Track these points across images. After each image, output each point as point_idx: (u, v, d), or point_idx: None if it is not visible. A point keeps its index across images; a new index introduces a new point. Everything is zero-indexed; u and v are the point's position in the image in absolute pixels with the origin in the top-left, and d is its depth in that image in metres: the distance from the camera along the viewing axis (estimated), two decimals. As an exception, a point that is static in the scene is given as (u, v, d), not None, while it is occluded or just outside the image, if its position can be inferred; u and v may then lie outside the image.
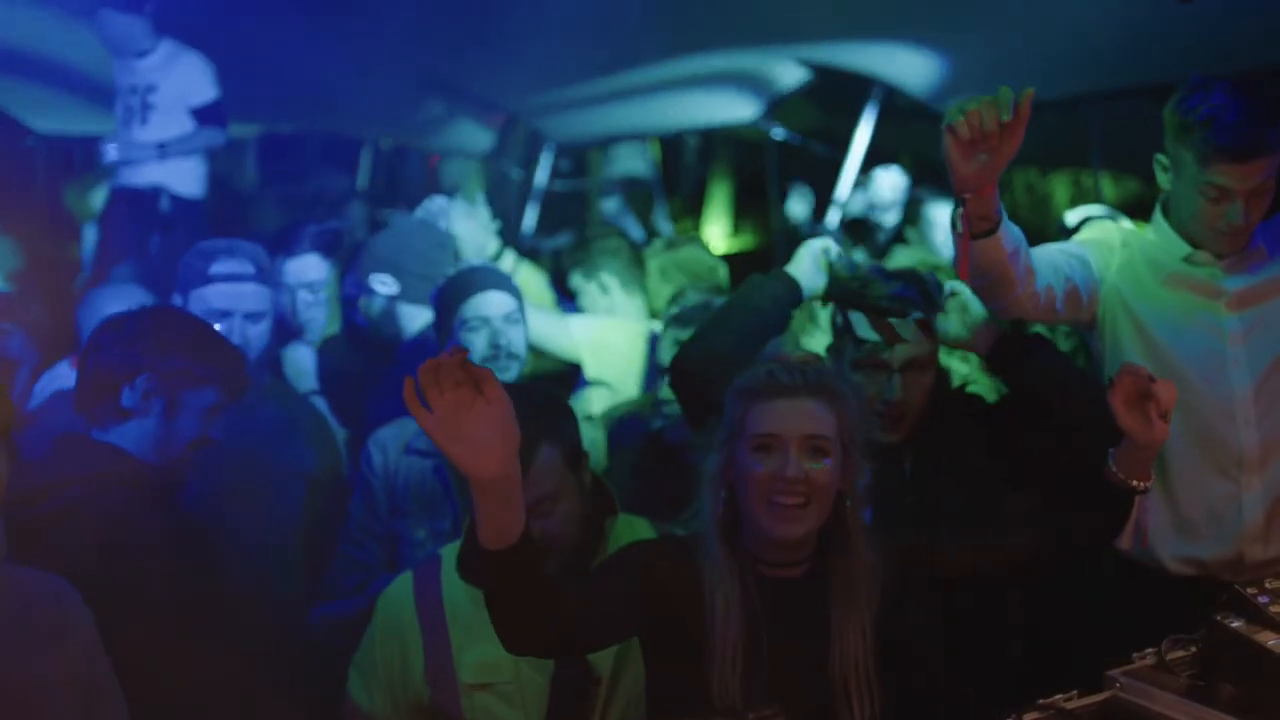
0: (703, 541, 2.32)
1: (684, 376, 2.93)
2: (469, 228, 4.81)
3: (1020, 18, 6.15)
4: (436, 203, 4.67)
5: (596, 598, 2.25)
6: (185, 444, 2.73)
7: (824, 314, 4.59)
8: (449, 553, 2.75)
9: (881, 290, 2.93)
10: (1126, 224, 3.09)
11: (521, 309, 3.48)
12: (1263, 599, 1.99)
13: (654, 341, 4.35)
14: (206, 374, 2.74)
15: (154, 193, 5.75)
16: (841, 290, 2.99)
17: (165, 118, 5.84)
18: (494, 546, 1.98)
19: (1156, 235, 3.05)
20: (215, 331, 2.93)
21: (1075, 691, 2.00)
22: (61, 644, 2.13)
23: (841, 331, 3.00)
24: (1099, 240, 3.13)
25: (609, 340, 4.55)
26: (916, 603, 2.38)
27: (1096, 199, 9.24)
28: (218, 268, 3.46)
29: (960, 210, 2.53)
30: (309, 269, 4.19)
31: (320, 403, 3.92)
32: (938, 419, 3.01)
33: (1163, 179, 3.00)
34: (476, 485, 1.95)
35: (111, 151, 5.73)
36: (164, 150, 5.69)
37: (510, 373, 3.36)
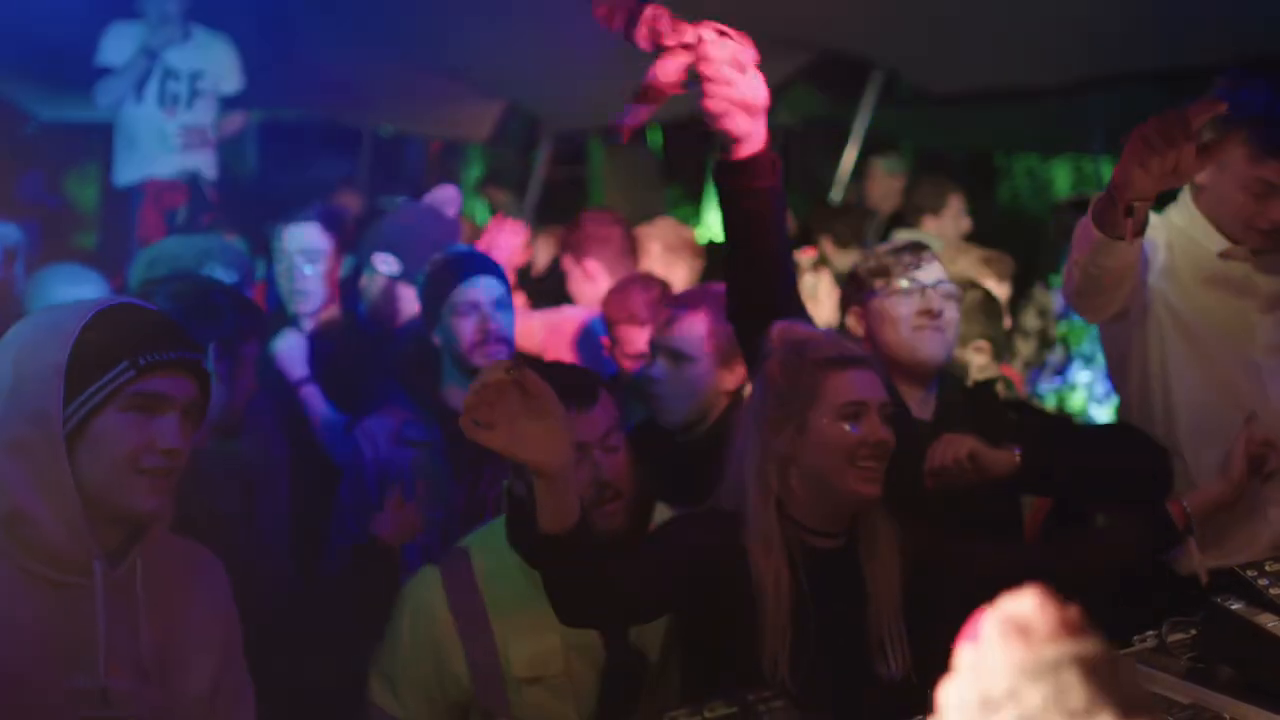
0: (748, 517, 2.41)
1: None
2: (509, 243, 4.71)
3: (1021, 3, 6.14)
4: (447, 191, 4.64)
5: (649, 572, 2.34)
6: (245, 395, 2.96)
7: (807, 283, 4.65)
8: (477, 544, 2.70)
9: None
10: (1171, 218, 3.02)
11: (509, 294, 3.46)
12: (1263, 581, 1.99)
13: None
14: (250, 327, 2.97)
15: (193, 178, 5.77)
16: None
17: (207, 103, 5.90)
18: (554, 530, 2.06)
19: (1190, 226, 3.01)
20: (233, 287, 3.11)
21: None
22: (214, 609, 2.20)
23: None
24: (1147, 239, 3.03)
25: (565, 330, 4.53)
26: (942, 567, 2.50)
27: (1098, 184, 9.26)
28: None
29: (1125, 213, 2.53)
30: (310, 236, 4.13)
31: (313, 391, 3.91)
32: (963, 407, 3.11)
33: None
34: (544, 479, 2.03)
35: (176, 136, 5.75)
36: (210, 137, 5.77)
37: (499, 356, 3.33)
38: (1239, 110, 2.72)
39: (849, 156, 7.93)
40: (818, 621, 2.38)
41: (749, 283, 2.58)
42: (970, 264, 4.82)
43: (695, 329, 3.25)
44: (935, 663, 2.41)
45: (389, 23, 7.12)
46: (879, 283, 3.12)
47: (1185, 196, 3.05)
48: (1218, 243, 2.97)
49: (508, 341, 3.36)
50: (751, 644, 2.33)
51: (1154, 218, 2.94)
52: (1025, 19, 6.18)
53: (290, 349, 3.95)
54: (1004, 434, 3.21)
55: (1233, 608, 1.96)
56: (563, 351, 4.37)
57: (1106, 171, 9.68)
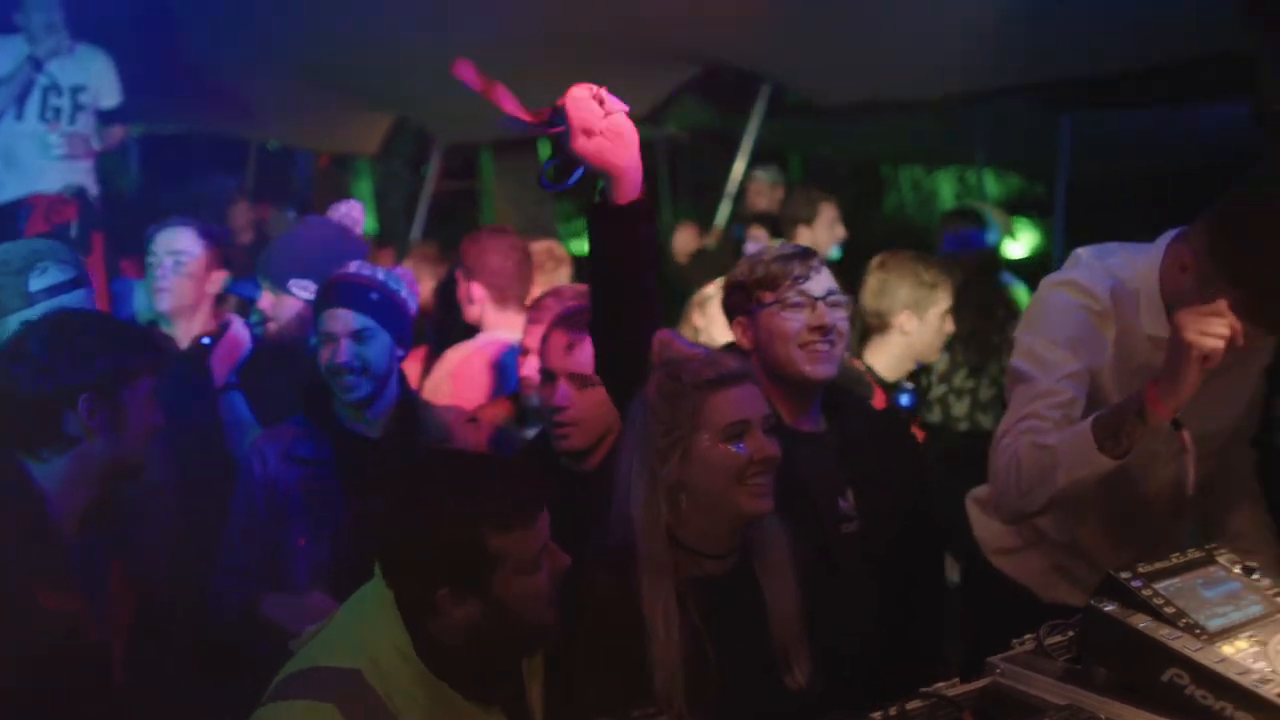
0: (637, 549, 2.39)
1: None
2: None
3: (903, 18, 6.25)
4: (352, 208, 4.55)
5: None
6: (140, 439, 2.67)
7: (704, 294, 4.67)
8: (366, 663, 2.18)
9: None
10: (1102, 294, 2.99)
11: (386, 324, 3.38)
12: (1135, 583, 2.04)
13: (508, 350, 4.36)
14: (133, 367, 2.66)
15: (80, 191, 5.66)
16: None
17: (88, 118, 5.80)
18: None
19: (1148, 306, 2.94)
20: (114, 318, 2.86)
21: (957, 679, 2.04)
22: None
23: None
24: (1087, 338, 2.97)
25: (473, 374, 4.48)
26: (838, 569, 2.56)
27: (980, 195, 9.46)
28: (36, 283, 3.20)
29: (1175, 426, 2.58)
30: (180, 239, 4.09)
31: (232, 398, 3.84)
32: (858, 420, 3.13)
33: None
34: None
35: (58, 148, 5.62)
36: (93, 151, 5.67)
37: (357, 391, 3.30)
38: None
39: (737, 168, 8.00)
40: (715, 649, 2.37)
41: (616, 327, 2.55)
42: None
43: None
44: (840, 664, 2.48)
45: (276, 36, 7.03)
46: (767, 295, 3.00)
47: (1153, 274, 2.95)
48: (1163, 327, 2.86)
49: (359, 372, 3.29)
50: (640, 683, 2.31)
51: (1092, 315, 2.94)
52: (909, 34, 6.30)
53: (227, 349, 3.90)
54: (905, 450, 3.27)
55: (1107, 610, 2.00)
56: (479, 393, 4.33)
57: (989, 183, 9.91)
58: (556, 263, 5.41)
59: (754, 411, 2.42)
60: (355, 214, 4.40)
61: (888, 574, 2.99)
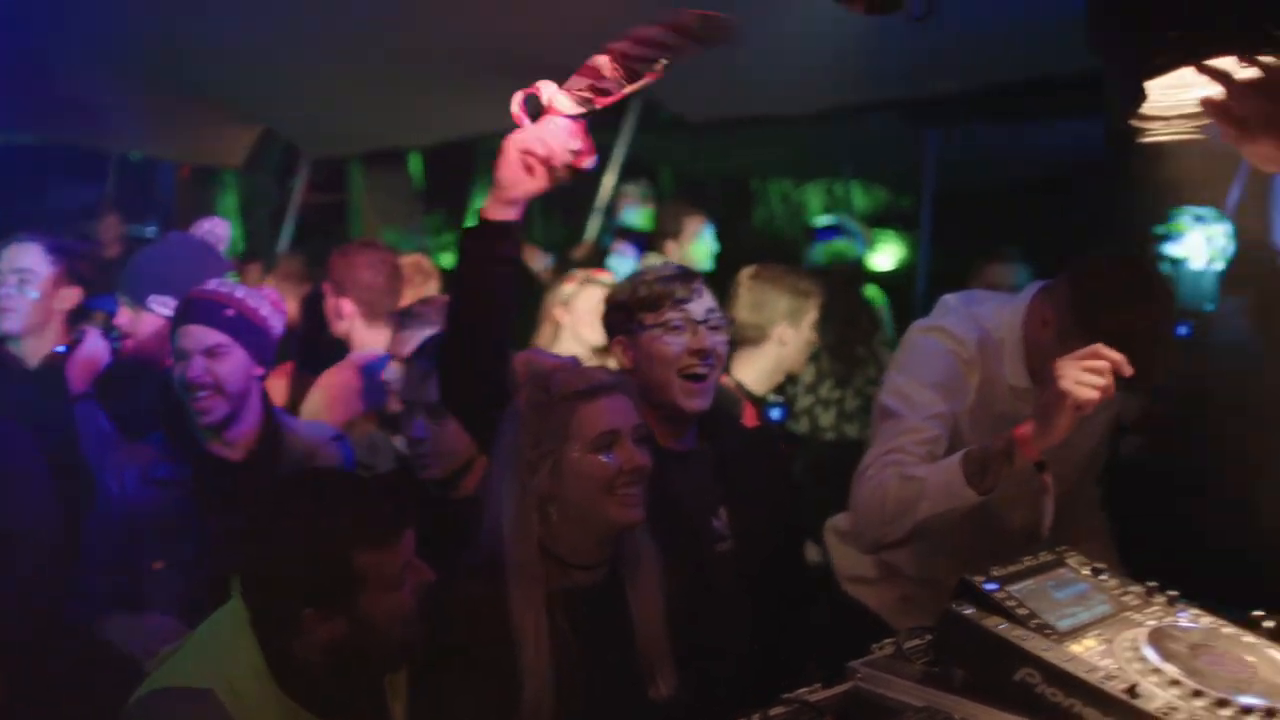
0: (507, 563, 2.39)
1: None
2: None
3: (772, 34, 6.33)
4: (215, 224, 4.47)
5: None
6: None
7: (567, 291, 4.68)
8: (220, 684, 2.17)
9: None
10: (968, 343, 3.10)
11: (243, 341, 3.33)
12: (990, 586, 2.09)
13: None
14: None
15: None
16: None
17: None
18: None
19: (1011, 357, 3.06)
20: None
21: (819, 684, 2.07)
22: None
23: None
24: (953, 382, 3.08)
25: (341, 393, 4.43)
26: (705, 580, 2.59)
27: (848, 208, 9.63)
28: None
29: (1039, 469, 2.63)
30: (26, 256, 4.00)
31: (87, 408, 3.75)
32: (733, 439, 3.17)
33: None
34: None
35: None
36: None
37: (211, 414, 3.26)
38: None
39: (607, 182, 8.02)
40: (583, 660, 2.39)
41: (473, 345, 2.56)
42: None
43: None
44: (713, 682, 2.51)
45: (138, 45, 6.87)
46: (648, 316, 2.99)
47: (1015, 329, 3.08)
48: (1023, 378, 3.03)
49: (211, 389, 3.25)
50: (510, 693, 2.31)
51: (960, 361, 3.05)
52: (778, 50, 6.37)
53: (83, 360, 3.81)
54: (778, 468, 3.32)
55: (964, 612, 2.05)
56: (351, 410, 4.27)
57: (856, 196, 10.09)
58: (425, 276, 5.39)
59: (623, 422, 2.44)
60: (219, 230, 4.34)
61: (761, 592, 3.03)
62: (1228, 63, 2.18)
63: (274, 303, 3.49)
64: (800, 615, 3.23)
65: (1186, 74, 2.22)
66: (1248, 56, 2.15)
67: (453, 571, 2.51)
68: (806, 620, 3.29)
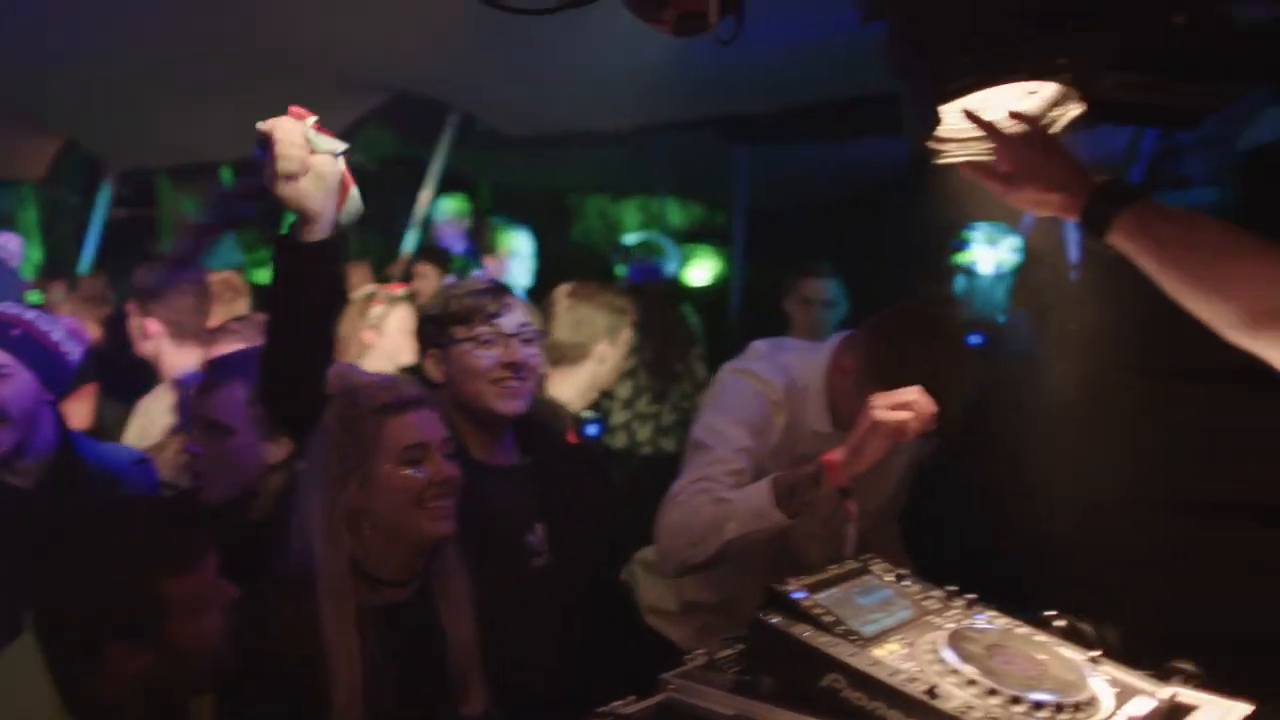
0: (318, 580, 2.38)
1: None
2: None
3: (587, 52, 6.38)
4: (7, 239, 4.29)
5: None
6: None
7: (375, 313, 4.64)
8: None
9: None
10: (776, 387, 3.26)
11: (30, 364, 3.18)
12: (798, 594, 2.15)
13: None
14: None
15: None
16: None
17: None
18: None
19: (814, 403, 3.25)
20: None
21: (633, 697, 2.10)
22: None
23: None
24: (761, 422, 3.22)
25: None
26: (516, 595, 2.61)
27: (664, 224, 9.75)
28: None
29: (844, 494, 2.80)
30: None
31: None
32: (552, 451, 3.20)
33: None
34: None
35: None
36: None
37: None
38: None
39: (424, 197, 7.97)
40: (395, 676, 2.39)
41: (291, 362, 2.51)
42: None
43: (234, 396, 3.12)
44: (528, 697, 2.51)
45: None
46: (459, 330, 3.02)
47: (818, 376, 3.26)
48: (826, 423, 3.22)
49: (6, 419, 3.11)
50: (320, 710, 2.30)
51: (768, 400, 3.21)
52: (593, 68, 6.43)
53: None
54: (598, 483, 3.35)
55: (772, 621, 2.10)
56: (161, 433, 4.14)
57: (671, 212, 10.21)
58: (235, 293, 5.28)
59: (432, 435, 2.45)
60: (12, 246, 4.18)
61: (577, 606, 3.05)
62: (1000, 110, 2.33)
63: (71, 329, 3.36)
64: (616, 630, 3.27)
65: (978, 98, 2.34)
66: (1033, 87, 2.28)
67: (260, 587, 2.47)
68: (622, 635, 3.32)
